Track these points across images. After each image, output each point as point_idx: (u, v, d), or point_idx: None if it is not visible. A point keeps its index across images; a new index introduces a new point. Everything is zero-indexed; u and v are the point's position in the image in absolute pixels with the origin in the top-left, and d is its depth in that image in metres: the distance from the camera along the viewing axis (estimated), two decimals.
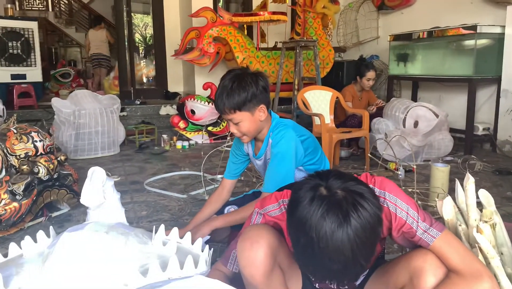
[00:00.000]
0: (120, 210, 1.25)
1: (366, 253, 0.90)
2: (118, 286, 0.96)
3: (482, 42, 3.92)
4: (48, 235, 1.29)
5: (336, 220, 0.86)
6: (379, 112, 3.97)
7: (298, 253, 0.96)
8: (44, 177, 2.24)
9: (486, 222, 1.04)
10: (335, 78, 5.56)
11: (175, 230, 1.38)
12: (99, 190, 1.18)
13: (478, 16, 4.09)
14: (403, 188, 2.40)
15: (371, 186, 1.05)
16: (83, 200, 1.18)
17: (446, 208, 1.11)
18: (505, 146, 3.89)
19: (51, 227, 1.23)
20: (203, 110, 4.58)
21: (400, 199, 1.03)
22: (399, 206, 1.03)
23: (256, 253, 1.07)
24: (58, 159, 2.38)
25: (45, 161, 2.25)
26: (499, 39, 3.86)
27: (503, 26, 3.81)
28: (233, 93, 1.48)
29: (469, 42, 3.98)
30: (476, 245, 1.00)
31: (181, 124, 4.65)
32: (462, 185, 1.19)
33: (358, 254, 0.87)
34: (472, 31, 3.83)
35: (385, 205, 1.03)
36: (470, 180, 1.11)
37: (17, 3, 11.05)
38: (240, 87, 1.49)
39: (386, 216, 1.03)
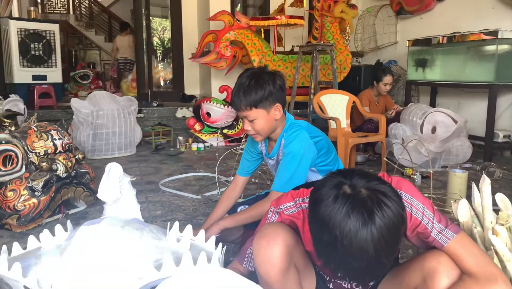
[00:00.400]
0: (136, 206, 1.26)
1: (389, 252, 0.89)
2: (133, 279, 0.97)
3: (504, 47, 3.85)
4: (65, 230, 1.32)
5: (361, 219, 0.86)
6: (396, 118, 3.92)
7: (320, 250, 0.95)
8: (62, 174, 2.27)
9: (502, 224, 1.02)
10: (352, 83, 5.53)
11: (189, 227, 1.38)
12: (116, 186, 1.20)
13: (499, 21, 4.03)
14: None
15: None
16: (100, 194, 1.20)
17: (461, 210, 1.09)
18: None
19: (68, 221, 1.25)
20: (219, 113, 4.60)
21: (416, 199, 1.02)
22: (415, 206, 1.01)
23: (273, 250, 1.07)
24: (76, 157, 2.42)
25: (63, 159, 2.29)
26: None
27: None
28: (250, 91, 1.49)
29: (490, 48, 3.91)
30: (492, 247, 0.98)
31: (197, 126, 4.68)
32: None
33: (381, 253, 0.87)
34: (493, 37, 3.77)
35: None
36: (486, 182, 1.09)
37: (39, 6, 11.32)
38: (257, 84, 1.50)
39: None
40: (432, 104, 4.77)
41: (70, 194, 2.36)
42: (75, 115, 3.92)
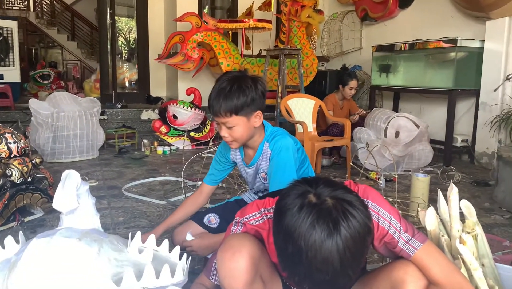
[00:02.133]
0: (95, 216, 1.20)
1: (354, 263, 0.87)
2: None
3: (462, 55, 4.00)
4: (17, 241, 1.23)
5: (326, 229, 0.83)
6: (360, 122, 4.00)
7: (284, 262, 0.92)
8: (17, 180, 2.16)
9: (468, 232, 1.04)
10: (318, 87, 5.60)
11: (152, 237, 1.33)
12: (72, 194, 1.13)
13: (458, 30, 4.18)
14: (385, 197, 2.41)
15: None
16: (55, 204, 1.13)
17: (429, 219, 1.10)
18: (483, 157, 3.96)
19: (20, 233, 1.16)
20: (186, 116, 4.53)
21: (383, 208, 1.02)
22: (382, 215, 1.01)
23: (237, 263, 1.03)
24: (33, 161, 2.30)
25: (18, 164, 2.17)
26: (478, 53, 3.95)
27: (482, 41, 3.90)
28: (232, 96, 1.41)
29: (450, 55, 4.06)
30: (459, 256, 1.00)
31: (163, 129, 4.59)
32: (443, 195, 1.19)
33: (346, 265, 0.85)
34: (452, 45, 3.91)
35: None
36: (454, 190, 1.11)
37: None
38: (239, 90, 1.42)
39: None
40: (395, 109, 4.90)
41: (26, 201, 2.24)
42: (34, 117, 3.75)
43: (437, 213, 1.16)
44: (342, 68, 4.82)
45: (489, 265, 1.09)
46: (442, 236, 1.04)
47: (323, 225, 0.84)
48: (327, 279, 0.85)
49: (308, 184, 0.92)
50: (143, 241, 1.23)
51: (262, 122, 1.60)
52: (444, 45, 3.97)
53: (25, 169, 2.20)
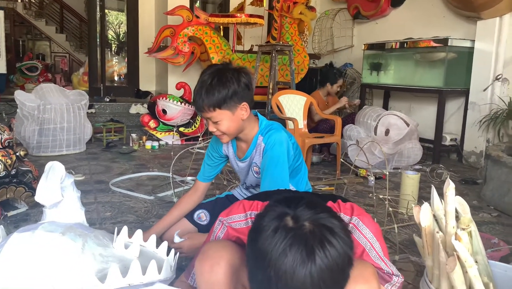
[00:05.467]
0: (80, 210, 1.16)
1: None
2: None
3: (452, 55, 4.02)
4: None
5: (299, 258, 0.74)
6: (351, 119, 4.00)
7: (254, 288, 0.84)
8: (0, 172, 2.10)
9: (463, 229, 1.03)
10: (309, 85, 5.59)
11: (138, 232, 1.30)
12: (56, 187, 1.09)
13: (449, 29, 4.20)
14: (375, 194, 2.41)
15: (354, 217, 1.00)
16: (38, 197, 1.08)
17: (424, 215, 1.09)
18: (471, 156, 3.99)
19: (1, 227, 1.12)
20: (175, 110, 4.48)
21: (379, 243, 1.00)
22: (376, 249, 1.00)
23: (216, 276, 0.99)
24: (17, 154, 2.24)
25: (2, 156, 2.12)
26: (469, 53, 3.97)
27: (473, 41, 3.92)
28: (213, 90, 1.38)
29: (440, 55, 4.07)
30: (454, 253, 0.98)
31: (152, 124, 4.54)
32: (437, 192, 1.17)
33: None
34: (443, 44, 3.92)
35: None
36: (450, 186, 1.09)
37: None
38: (220, 83, 1.39)
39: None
40: (385, 107, 4.90)
41: (9, 194, 2.18)
42: (20, 109, 3.67)
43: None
44: (329, 66, 4.79)
45: (483, 262, 1.09)
46: (437, 232, 1.03)
47: (296, 253, 0.75)
48: None
49: (288, 204, 0.83)
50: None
51: (257, 116, 1.58)
52: (435, 44, 3.98)
53: (9, 161, 2.15)
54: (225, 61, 1.53)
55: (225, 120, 1.44)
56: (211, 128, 1.48)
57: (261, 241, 0.79)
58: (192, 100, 1.59)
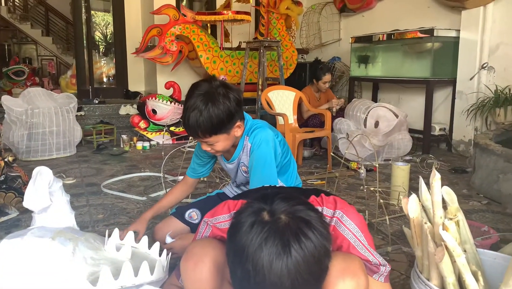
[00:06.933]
0: (70, 214, 1.16)
1: None
2: None
3: (439, 45, 4.05)
4: None
5: (275, 251, 0.74)
6: (340, 113, 4.02)
7: (235, 286, 0.84)
8: None
9: (451, 219, 1.04)
10: (298, 80, 5.59)
11: (130, 234, 1.30)
12: (44, 192, 1.09)
13: (434, 20, 4.23)
14: (366, 186, 2.43)
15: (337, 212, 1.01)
16: (26, 202, 1.08)
17: (412, 206, 1.10)
18: (460, 145, 4.03)
19: None
20: (165, 110, 4.47)
21: (365, 237, 1.01)
22: (363, 243, 1.00)
23: (201, 272, 0.99)
24: (6, 159, 2.23)
25: None
26: (454, 42, 4.00)
27: (458, 30, 3.95)
28: (209, 118, 1.33)
29: (427, 45, 4.11)
30: (442, 243, 1.00)
31: (142, 124, 4.52)
32: (425, 182, 1.19)
33: None
34: (428, 35, 3.95)
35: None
36: (436, 176, 1.10)
37: None
38: (214, 109, 1.33)
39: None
40: (374, 99, 4.93)
41: None
42: (7, 114, 3.63)
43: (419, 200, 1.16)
44: (315, 62, 4.79)
45: (471, 250, 1.10)
46: (425, 223, 1.04)
47: (272, 246, 0.75)
48: None
49: (264, 199, 0.83)
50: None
51: (243, 114, 1.58)
52: (421, 35, 4.01)
53: None
54: (209, 77, 1.48)
55: (221, 141, 1.43)
56: (205, 148, 1.46)
57: (238, 236, 0.79)
58: (183, 126, 1.56)
